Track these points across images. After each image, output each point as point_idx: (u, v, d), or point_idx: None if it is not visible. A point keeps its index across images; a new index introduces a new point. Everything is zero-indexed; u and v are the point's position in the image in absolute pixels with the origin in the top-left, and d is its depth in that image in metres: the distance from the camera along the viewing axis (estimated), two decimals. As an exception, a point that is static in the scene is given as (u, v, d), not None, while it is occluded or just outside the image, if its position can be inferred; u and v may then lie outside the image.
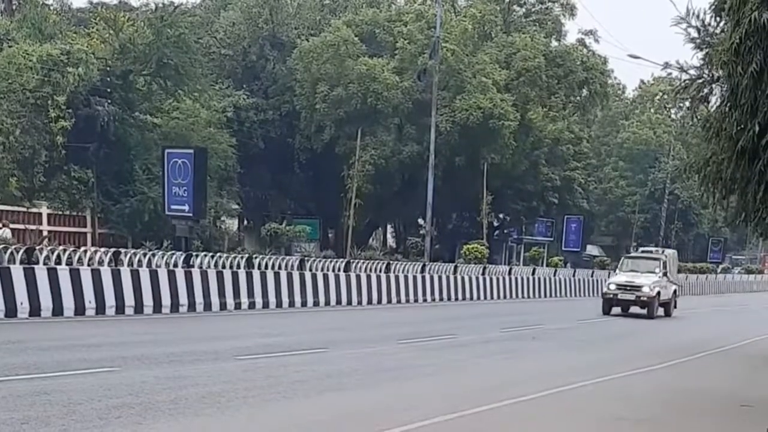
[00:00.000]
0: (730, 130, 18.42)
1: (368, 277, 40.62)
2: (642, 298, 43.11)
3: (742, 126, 17.74)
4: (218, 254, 35.48)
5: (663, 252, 47.47)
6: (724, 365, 27.89)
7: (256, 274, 34.51)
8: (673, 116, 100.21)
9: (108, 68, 48.51)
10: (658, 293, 43.55)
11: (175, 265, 31.89)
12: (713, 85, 22.50)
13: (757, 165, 17.95)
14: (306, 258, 40.64)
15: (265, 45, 64.75)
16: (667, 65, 26.20)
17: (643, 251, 49.10)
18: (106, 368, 18.30)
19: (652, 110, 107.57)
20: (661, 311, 44.55)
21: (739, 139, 17.89)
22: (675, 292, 46.68)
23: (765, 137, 17.35)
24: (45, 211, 47.14)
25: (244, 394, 16.74)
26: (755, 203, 19.49)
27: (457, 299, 46.39)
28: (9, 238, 36.19)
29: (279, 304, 35.11)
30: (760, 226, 22.15)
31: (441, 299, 45.24)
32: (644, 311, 43.32)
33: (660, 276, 44.04)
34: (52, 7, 53.35)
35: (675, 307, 46.34)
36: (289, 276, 36.11)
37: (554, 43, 74.49)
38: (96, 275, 28.46)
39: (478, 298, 48.04)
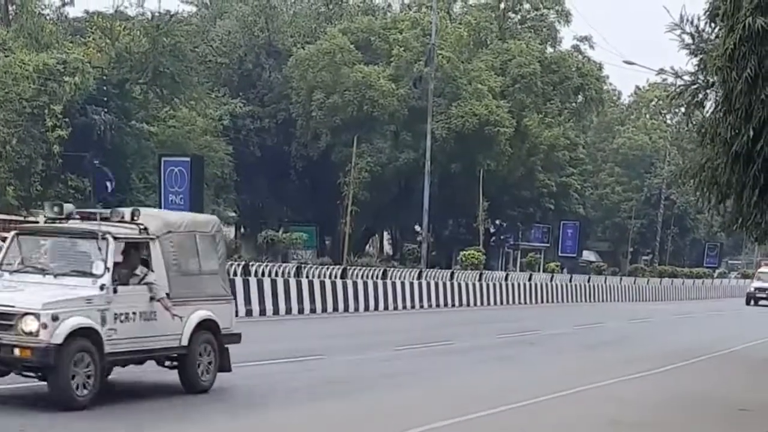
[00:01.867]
0: (724, 135, 18.51)
1: (365, 284, 40.60)
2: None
3: (737, 131, 17.82)
4: (215, 262, 35.49)
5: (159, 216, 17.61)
6: (721, 369, 27.92)
7: (252, 282, 34.51)
8: (668, 122, 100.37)
9: (104, 77, 48.61)
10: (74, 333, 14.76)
11: (172, 273, 31.85)
12: (708, 91, 22.53)
13: (752, 169, 18.03)
14: (303, 265, 40.69)
15: (260, 53, 64.83)
16: (662, 71, 26.40)
17: (80, 213, 16.99)
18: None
19: (647, 116, 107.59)
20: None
21: (734, 144, 17.98)
22: (210, 327, 17.47)
23: (759, 142, 17.43)
24: (42, 219, 47.13)
25: (241, 401, 16.79)
26: (750, 208, 19.57)
27: (453, 305, 46.37)
28: None
29: (276, 312, 35.10)
30: (756, 230, 22.20)
31: (438, 306, 45.21)
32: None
33: (99, 284, 15.37)
34: (48, 17, 53.34)
35: (213, 371, 17.49)
36: (286, 283, 36.11)
37: (549, 50, 74.62)
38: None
39: (475, 304, 48.03)
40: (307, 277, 37.80)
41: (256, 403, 16.79)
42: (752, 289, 70.76)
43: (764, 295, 68.79)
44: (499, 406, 17.82)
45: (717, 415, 19.22)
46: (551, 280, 58.41)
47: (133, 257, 16.10)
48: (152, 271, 16.08)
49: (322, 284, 37.99)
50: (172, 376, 16.97)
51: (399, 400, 18.44)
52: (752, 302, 68.56)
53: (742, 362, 30.79)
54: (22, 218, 45.36)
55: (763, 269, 75.16)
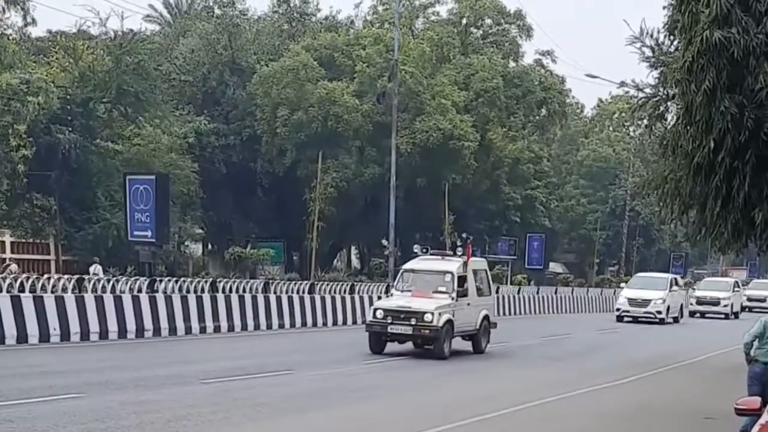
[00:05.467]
0: (686, 146, 18.70)
1: (333, 299, 40.62)
2: None
3: (698, 142, 18.00)
4: (182, 279, 35.54)
5: None
6: (686, 379, 28.16)
7: (220, 298, 34.54)
8: (631, 134, 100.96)
9: (68, 96, 48.50)
10: None
11: (140, 291, 31.89)
12: (669, 103, 22.74)
13: (714, 180, 18.22)
14: (270, 281, 40.66)
15: (224, 71, 64.85)
16: (623, 84, 26.46)
17: None
18: (71, 395, 18.33)
19: (610, 128, 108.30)
20: None
21: (695, 156, 18.17)
22: None
23: (720, 153, 17.62)
24: (8, 239, 47.04)
25: (209, 418, 16.83)
26: (713, 218, 19.73)
27: (421, 319, 46.38)
28: (100, 274, 36.71)
29: (244, 327, 35.12)
30: (719, 240, 22.37)
31: (405, 320, 45.21)
32: None
33: None
34: (10, 37, 53.12)
35: None
36: (254, 299, 36.14)
37: (512, 64, 74.98)
38: (60, 302, 28.41)
39: (443, 317, 48.09)
40: (275, 292, 37.81)
41: (222, 419, 16.84)
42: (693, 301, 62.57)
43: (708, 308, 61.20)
44: (464, 418, 17.93)
45: (683, 424, 19.41)
46: (518, 293, 58.59)
47: None
48: None
49: (290, 299, 38.04)
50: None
51: (366, 414, 18.53)
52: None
53: (706, 371, 31.04)
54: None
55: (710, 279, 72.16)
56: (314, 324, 38.86)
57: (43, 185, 47.20)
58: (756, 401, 11.17)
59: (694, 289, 68.20)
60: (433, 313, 28.40)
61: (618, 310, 53.13)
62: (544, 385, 23.93)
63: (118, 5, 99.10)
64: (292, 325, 37.65)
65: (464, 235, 35.20)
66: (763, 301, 68.82)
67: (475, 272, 31.54)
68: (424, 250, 31.87)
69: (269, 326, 36.34)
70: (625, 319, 51.91)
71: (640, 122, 33.73)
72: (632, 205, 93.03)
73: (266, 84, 61.34)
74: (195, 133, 58.81)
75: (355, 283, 44.68)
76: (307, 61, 61.43)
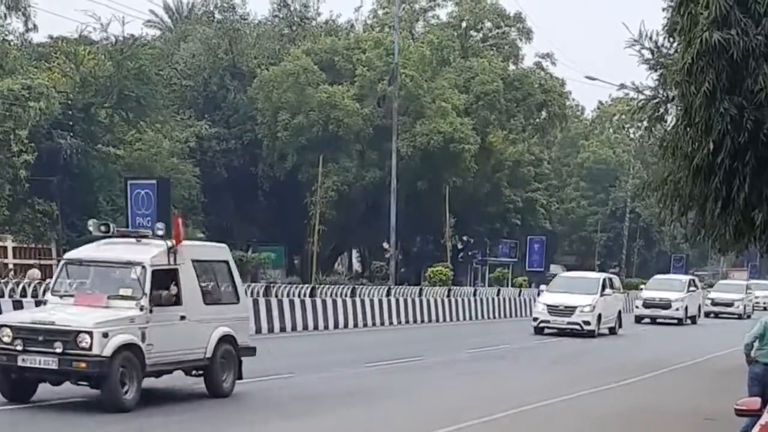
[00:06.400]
0: (685, 148, 18.77)
1: (334, 302, 40.66)
2: None
3: (697, 144, 18.06)
4: (184, 283, 35.58)
5: None
6: (684, 381, 28.20)
7: (221, 302, 34.44)
8: (631, 135, 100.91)
9: (69, 101, 48.57)
10: None
11: (141, 295, 31.92)
12: (668, 105, 22.79)
13: (714, 182, 18.28)
14: (271, 284, 40.71)
15: (225, 75, 64.89)
16: (623, 86, 26.55)
17: None
18: (73, 398, 18.36)
19: (610, 130, 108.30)
20: None
21: (695, 157, 18.23)
22: None
23: (720, 155, 17.67)
24: (10, 244, 47.10)
25: (211, 421, 16.90)
26: (713, 220, 19.81)
27: (422, 322, 46.49)
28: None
29: (245, 331, 35.13)
30: (719, 241, 22.44)
31: (407, 322, 45.32)
32: None
33: None
34: (12, 43, 53.20)
35: None
36: (255, 302, 36.13)
37: (512, 67, 74.99)
38: (62, 307, 28.44)
39: (444, 320, 48.17)
40: (276, 296, 37.88)
41: (222, 424, 16.90)
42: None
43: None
44: (465, 421, 17.99)
45: (683, 425, 19.47)
46: (519, 295, 58.67)
47: None
48: None
49: (291, 303, 38.07)
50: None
51: (368, 417, 18.60)
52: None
53: (706, 373, 31.08)
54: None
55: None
56: (315, 327, 38.85)
57: (45, 190, 47.27)
58: (756, 402, 11.24)
59: (640, 289, 60.14)
60: (92, 333, 16.81)
61: (535, 320, 42.13)
62: (545, 387, 23.97)
63: (119, 11, 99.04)
64: (294, 328, 37.67)
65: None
66: (730, 305, 62.78)
67: (199, 265, 19.47)
68: (103, 228, 19.35)
69: (270, 329, 36.39)
70: (546, 331, 41.49)
71: (639, 124, 33.71)
72: (632, 207, 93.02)
73: (267, 88, 61.40)
74: (196, 138, 58.85)
75: (357, 287, 44.76)
76: (307, 65, 61.48)
